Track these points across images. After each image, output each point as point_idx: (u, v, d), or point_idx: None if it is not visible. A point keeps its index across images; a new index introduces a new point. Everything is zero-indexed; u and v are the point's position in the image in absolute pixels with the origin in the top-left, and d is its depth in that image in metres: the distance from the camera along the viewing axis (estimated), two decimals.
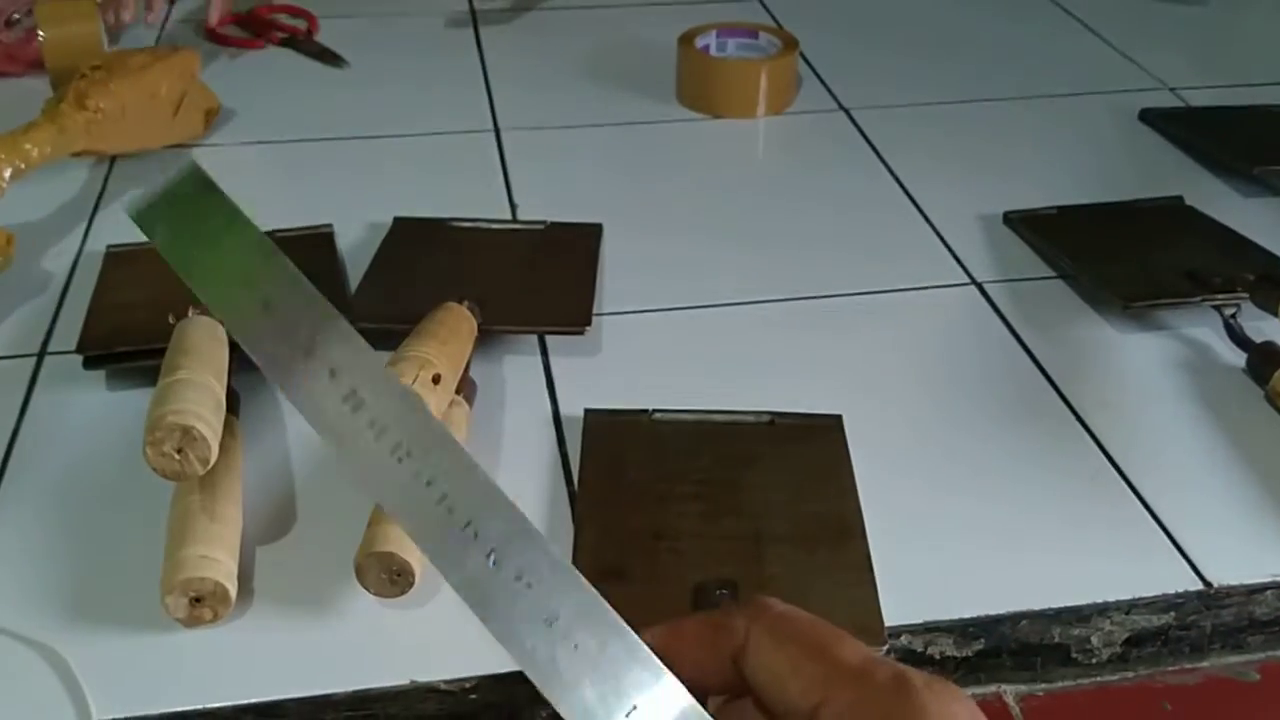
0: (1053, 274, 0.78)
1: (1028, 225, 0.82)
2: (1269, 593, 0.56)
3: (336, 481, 0.59)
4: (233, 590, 0.50)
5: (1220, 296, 0.71)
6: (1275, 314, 0.68)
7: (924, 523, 0.59)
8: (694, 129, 0.97)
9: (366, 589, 0.51)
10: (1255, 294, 0.69)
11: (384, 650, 0.52)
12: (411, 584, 0.51)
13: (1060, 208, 0.83)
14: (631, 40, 1.11)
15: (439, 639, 0.52)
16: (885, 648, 0.53)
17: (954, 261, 0.80)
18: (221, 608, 0.50)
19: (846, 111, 1.00)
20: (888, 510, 0.59)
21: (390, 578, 0.51)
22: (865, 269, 0.79)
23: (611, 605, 0.32)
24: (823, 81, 1.05)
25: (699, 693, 0.28)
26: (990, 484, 0.62)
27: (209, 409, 0.52)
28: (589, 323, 0.70)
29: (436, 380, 0.55)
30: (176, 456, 0.50)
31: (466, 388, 0.63)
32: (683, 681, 0.27)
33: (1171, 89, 1.04)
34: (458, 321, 0.64)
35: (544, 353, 0.70)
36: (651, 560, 0.56)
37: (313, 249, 0.77)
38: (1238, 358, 0.69)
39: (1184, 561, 0.57)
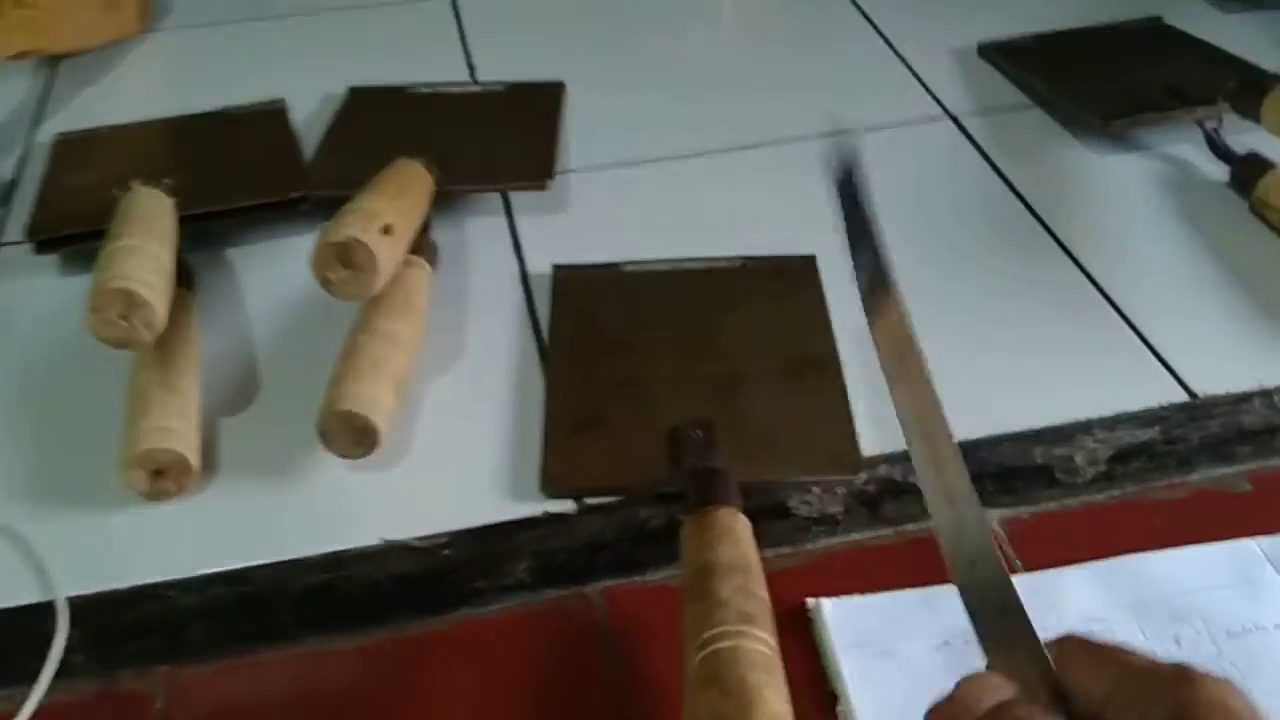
0: (1029, 102, 0.75)
1: (1003, 55, 0.78)
2: (1256, 401, 0.55)
3: (300, 352, 0.58)
4: (194, 460, 0.49)
5: (1201, 109, 0.68)
6: (1257, 120, 0.66)
7: None
8: None
9: (331, 451, 0.50)
10: (1236, 101, 0.67)
11: (354, 512, 0.51)
12: (375, 444, 0.50)
13: (1037, 36, 0.80)
14: None
15: (409, 498, 0.51)
16: (863, 478, 0.51)
17: (928, 96, 0.77)
18: (184, 479, 0.49)
19: None
20: (864, 345, 0.58)
21: (355, 438, 0.50)
22: (837, 108, 0.76)
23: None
24: None
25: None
26: (970, 313, 0.60)
27: (153, 273, 0.50)
28: (550, 176, 0.68)
29: (387, 231, 0.53)
30: (122, 323, 0.49)
31: (427, 249, 0.61)
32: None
33: None
34: (409, 176, 0.62)
35: (509, 212, 0.68)
36: (626, 407, 0.54)
37: (264, 124, 0.74)
38: (1220, 171, 0.67)
39: (1169, 376, 0.56)
